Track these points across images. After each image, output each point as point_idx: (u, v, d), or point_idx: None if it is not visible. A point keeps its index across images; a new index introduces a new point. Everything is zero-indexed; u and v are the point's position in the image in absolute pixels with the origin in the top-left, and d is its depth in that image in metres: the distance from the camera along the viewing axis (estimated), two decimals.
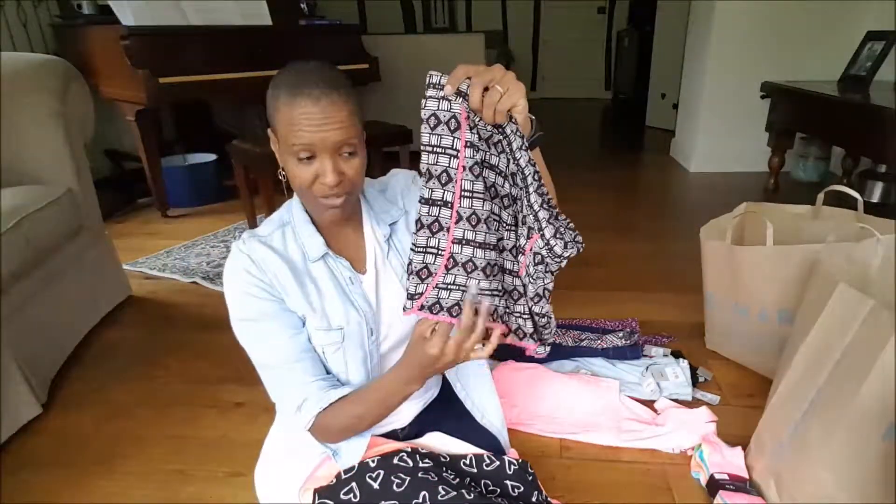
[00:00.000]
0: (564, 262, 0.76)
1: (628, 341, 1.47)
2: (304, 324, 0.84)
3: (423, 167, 0.70)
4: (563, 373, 1.35)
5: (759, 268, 1.27)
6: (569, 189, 3.20)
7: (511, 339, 0.81)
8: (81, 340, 1.60)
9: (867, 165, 2.66)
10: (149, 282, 2.02)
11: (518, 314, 0.80)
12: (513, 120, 0.69)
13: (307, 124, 0.72)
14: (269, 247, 0.82)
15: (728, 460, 1.05)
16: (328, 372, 0.87)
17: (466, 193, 0.72)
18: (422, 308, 0.74)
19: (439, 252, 0.74)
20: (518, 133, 0.70)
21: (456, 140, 0.68)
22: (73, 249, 1.58)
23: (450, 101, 0.67)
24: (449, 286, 0.74)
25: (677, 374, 1.33)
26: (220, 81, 2.53)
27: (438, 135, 0.68)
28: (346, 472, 0.84)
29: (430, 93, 0.68)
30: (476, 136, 0.71)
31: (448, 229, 0.73)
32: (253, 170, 2.33)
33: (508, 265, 0.80)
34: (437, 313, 0.74)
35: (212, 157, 3.05)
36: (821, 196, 1.38)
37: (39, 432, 1.27)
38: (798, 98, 2.65)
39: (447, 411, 1.03)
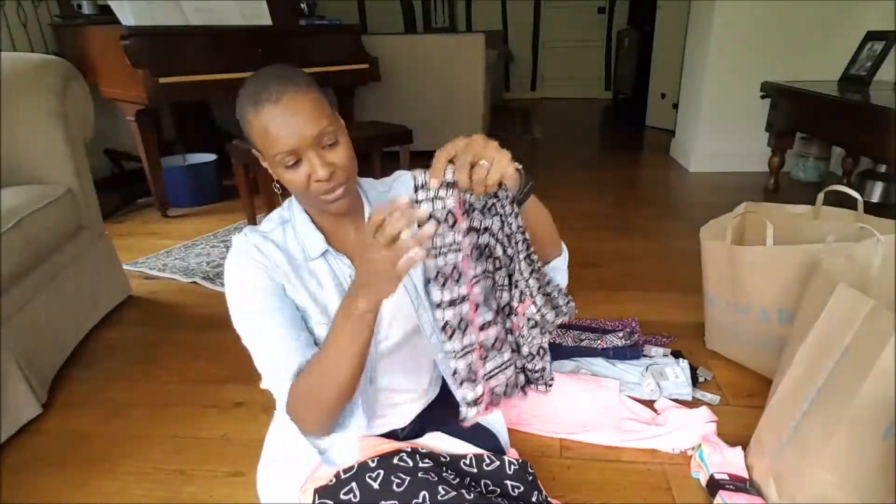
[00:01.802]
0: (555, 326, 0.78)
1: (628, 341, 1.47)
2: (302, 317, 0.84)
3: (431, 273, 0.66)
4: (563, 373, 1.35)
5: (759, 268, 1.27)
6: (569, 189, 3.21)
7: (504, 401, 0.82)
8: (81, 340, 1.60)
9: (867, 165, 2.66)
10: (149, 282, 2.02)
11: (515, 367, 0.81)
12: (502, 187, 0.67)
13: (278, 128, 0.72)
14: (271, 241, 0.83)
15: (728, 460, 1.05)
16: None
17: (476, 279, 0.70)
18: (489, 406, 0.75)
19: (472, 348, 0.72)
20: (508, 199, 0.70)
21: (456, 235, 0.65)
22: (73, 249, 1.58)
23: (442, 198, 0.63)
24: (493, 372, 0.75)
25: (677, 374, 1.33)
26: (220, 81, 2.53)
27: (441, 234, 0.64)
28: (345, 471, 0.84)
29: (420, 196, 0.63)
30: (474, 210, 0.69)
31: (472, 321, 0.71)
32: (253, 170, 2.33)
33: (507, 324, 0.79)
34: (498, 404, 0.76)
35: (212, 157, 3.04)
36: (821, 196, 1.38)
37: (39, 432, 1.27)
38: (798, 98, 2.65)
39: (447, 411, 1.03)
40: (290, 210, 0.87)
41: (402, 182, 0.95)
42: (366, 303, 0.67)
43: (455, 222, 0.64)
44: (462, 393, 0.73)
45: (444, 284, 0.67)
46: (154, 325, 1.75)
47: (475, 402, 0.73)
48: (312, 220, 0.85)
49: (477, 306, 0.71)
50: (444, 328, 0.69)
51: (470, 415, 0.73)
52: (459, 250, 0.66)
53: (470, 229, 0.68)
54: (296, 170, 0.75)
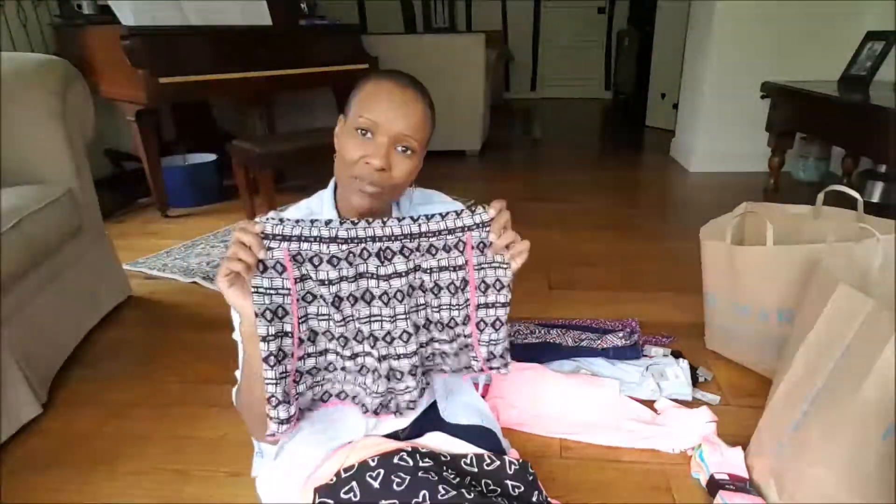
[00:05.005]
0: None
1: (628, 341, 1.46)
2: None
3: (256, 308, 0.73)
4: (563, 373, 1.35)
5: (760, 268, 1.27)
6: (569, 189, 3.21)
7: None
8: (81, 340, 1.60)
9: (867, 165, 2.66)
10: (149, 282, 2.02)
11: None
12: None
13: (381, 102, 0.77)
14: None
15: (728, 460, 1.05)
16: None
17: (301, 319, 0.77)
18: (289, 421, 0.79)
19: (287, 375, 0.78)
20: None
21: (285, 281, 0.74)
22: (73, 249, 1.58)
23: (272, 248, 0.72)
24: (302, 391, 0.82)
25: (677, 374, 1.33)
26: (220, 81, 2.53)
27: (269, 278, 0.73)
28: (346, 470, 0.84)
29: (265, 239, 0.74)
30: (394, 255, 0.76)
31: (293, 354, 0.78)
32: (253, 170, 2.33)
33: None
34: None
35: (212, 157, 3.04)
36: (821, 196, 1.38)
37: (39, 432, 1.27)
38: (798, 98, 2.65)
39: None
40: (321, 205, 0.90)
41: (441, 198, 1.00)
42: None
43: (284, 270, 0.74)
44: (276, 413, 0.77)
45: (270, 321, 0.74)
46: (154, 325, 1.74)
47: (287, 421, 0.78)
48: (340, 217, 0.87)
49: (301, 341, 0.78)
50: (266, 359, 0.74)
51: (280, 430, 0.78)
52: (288, 294, 0.74)
53: (301, 279, 0.75)
54: (361, 142, 0.79)
